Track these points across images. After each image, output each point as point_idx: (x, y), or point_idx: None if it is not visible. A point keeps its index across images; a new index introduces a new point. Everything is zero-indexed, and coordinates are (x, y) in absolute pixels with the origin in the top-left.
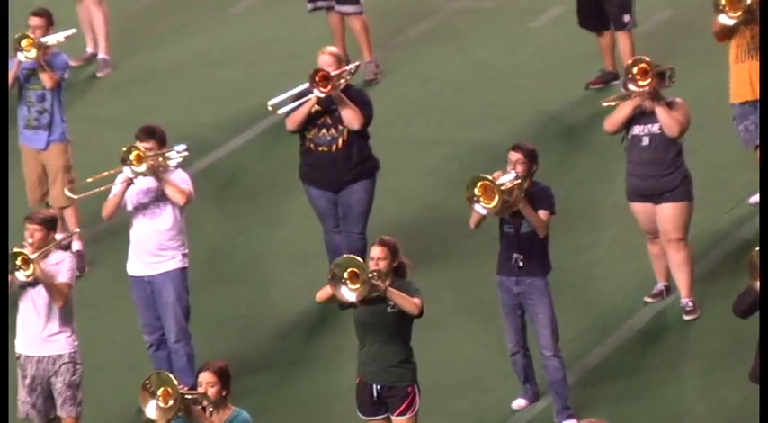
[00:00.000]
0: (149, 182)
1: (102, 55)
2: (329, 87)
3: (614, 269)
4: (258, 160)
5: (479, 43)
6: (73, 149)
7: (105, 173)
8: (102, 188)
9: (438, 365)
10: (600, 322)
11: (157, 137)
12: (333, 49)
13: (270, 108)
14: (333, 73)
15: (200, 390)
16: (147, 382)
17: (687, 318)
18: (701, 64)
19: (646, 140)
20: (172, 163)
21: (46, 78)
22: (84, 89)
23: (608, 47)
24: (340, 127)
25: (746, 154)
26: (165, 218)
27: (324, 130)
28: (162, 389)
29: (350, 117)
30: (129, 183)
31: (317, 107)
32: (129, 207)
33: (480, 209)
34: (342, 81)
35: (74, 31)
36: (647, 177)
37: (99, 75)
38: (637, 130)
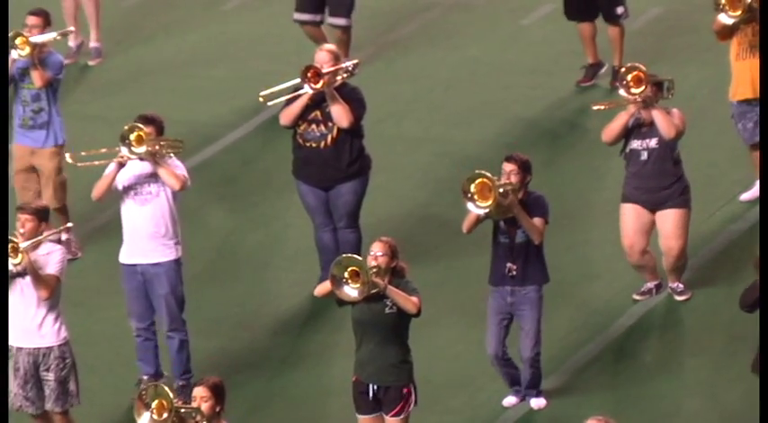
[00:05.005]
0: (144, 167)
1: (93, 44)
2: (320, 83)
3: (606, 266)
4: (250, 158)
5: (471, 41)
6: (67, 149)
7: (103, 150)
8: (97, 163)
9: (430, 363)
10: (592, 320)
11: (156, 124)
12: (330, 46)
13: (261, 99)
14: (326, 69)
15: (194, 404)
16: (144, 393)
17: (680, 299)
18: (692, 62)
19: (644, 155)
20: (167, 151)
21: (36, 76)
22: (75, 87)
23: (590, 37)
24: (330, 124)
25: (737, 151)
26: (158, 205)
27: (313, 126)
28: (156, 401)
29: (339, 114)
30: (122, 165)
31: (308, 102)
32: (120, 187)
33: (473, 208)
34: (338, 78)
35: (72, 29)
36: (646, 190)
37: (91, 63)
38: (635, 144)
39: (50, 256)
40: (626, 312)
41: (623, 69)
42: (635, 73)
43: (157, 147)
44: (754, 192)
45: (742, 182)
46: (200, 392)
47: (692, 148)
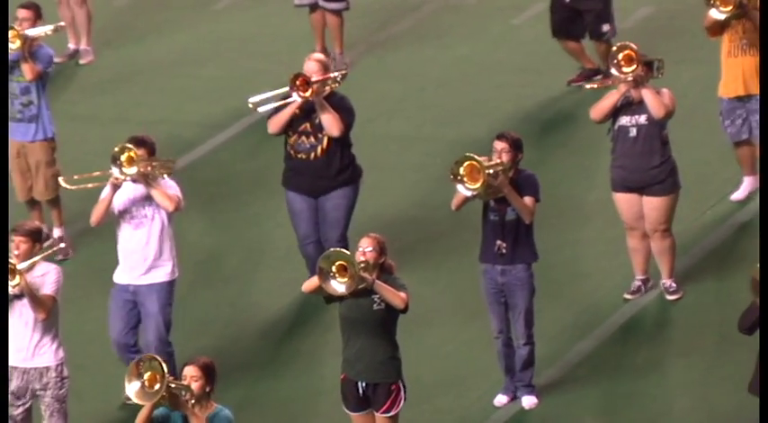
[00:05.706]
0: (138, 190)
1: (84, 46)
2: (309, 92)
3: (597, 265)
4: (241, 157)
5: (462, 40)
6: (57, 146)
7: (96, 173)
8: (90, 185)
9: (420, 362)
10: (582, 319)
11: (147, 146)
12: (319, 55)
13: (250, 105)
14: (315, 79)
15: (185, 383)
16: (141, 362)
17: (671, 298)
18: (683, 60)
19: (633, 131)
20: (159, 172)
21: (27, 69)
22: (66, 86)
23: (579, 50)
24: (320, 135)
25: (729, 150)
26: (153, 228)
27: (303, 138)
28: (150, 373)
29: (329, 123)
30: (117, 187)
31: (296, 112)
32: (115, 211)
33: (463, 190)
34: (327, 88)
35: (62, 23)
36: (634, 169)
37: (81, 61)
38: (624, 120)
39: (46, 277)
40: (616, 311)
41: (614, 48)
42: (626, 52)
43: (149, 168)
44: (743, 191)
45: (733, 180)
46: (190, 372)
47: (684, 147)
